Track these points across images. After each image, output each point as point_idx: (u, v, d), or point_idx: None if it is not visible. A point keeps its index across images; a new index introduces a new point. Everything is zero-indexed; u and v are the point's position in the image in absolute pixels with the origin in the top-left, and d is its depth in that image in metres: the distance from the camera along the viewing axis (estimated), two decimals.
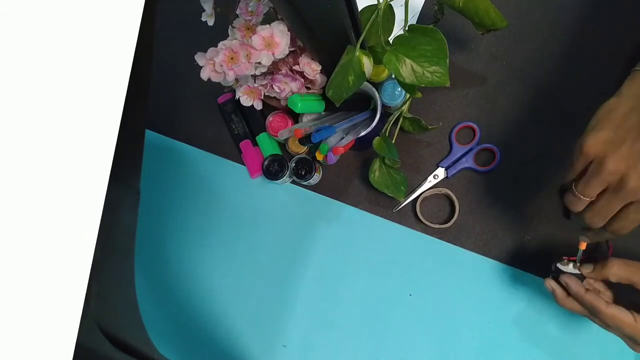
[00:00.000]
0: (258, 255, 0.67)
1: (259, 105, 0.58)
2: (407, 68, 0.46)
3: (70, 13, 0.26)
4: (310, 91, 0.59)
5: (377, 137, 0.58)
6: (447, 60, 0.45)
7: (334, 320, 0.64)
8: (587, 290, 0.46)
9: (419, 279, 0.62)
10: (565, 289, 0.48)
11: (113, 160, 0.26)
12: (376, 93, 0.57)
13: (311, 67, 0.54)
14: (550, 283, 0.49)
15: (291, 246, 0.66)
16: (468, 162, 0.61)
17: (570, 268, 0.48)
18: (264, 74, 0.56)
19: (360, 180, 0.65)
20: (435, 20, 0.58)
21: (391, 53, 0.46)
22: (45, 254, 0.25)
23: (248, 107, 0.57)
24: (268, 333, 0.65)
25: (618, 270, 0.45)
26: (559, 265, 0.49)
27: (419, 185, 0.63)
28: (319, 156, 0.56)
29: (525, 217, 0.59)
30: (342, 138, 0.57)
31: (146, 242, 0.71)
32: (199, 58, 0.52)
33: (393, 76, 0.57)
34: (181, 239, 0.70)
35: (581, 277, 0.48)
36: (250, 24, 0.51)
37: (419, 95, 0.58)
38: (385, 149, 0.56)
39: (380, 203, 0.64)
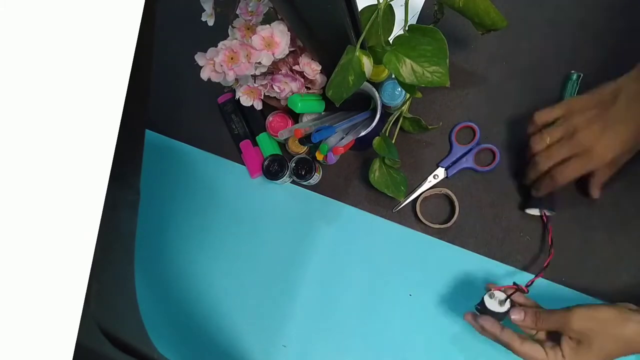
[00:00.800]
0: (258, 255, 0.67)
1: (259, 105, 0.58)
2: (407, 68, 0.46)
3: (70, 13, 0.26)
4: (310, 91, 0.59)
5: (377, 137, 0.58)
6: (447, 60, 0.45)
7: (334, 320, 0.64)
8: (502, 329, 0.49)
9: (419, 279, 0.62)
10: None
11: (113, 160, 0.26)
12: (376, 93, 0.57)
13: (311, 67, 0.54)
14: (467, 317, 0.53)
15: (291, 246, 0.66)
16: (468, 162, 0.61)
17: (495, 304, 0.50)
18: (264, 74, 0.56)
19: (360, 180, 0.65)
20: (435, 20, 0.58)
21: (391, 53, 0.46)
22: (45, 254, 0.25)
23: (248, 107, 0.57)
24: (268, 333, 0.65)
25: (546, 325, 0.48)
26: (485, 298, 0.51)
27: (419, 185, 0.63)
28: (319, 156, 0.56)
29: (525, 217, 0.59)
30: (342, 138, 0.57)
31: (146, 242, 0.71)
32: (199, 58, 0.52)
33: (393, 76, 0.57)
34: (181, 238, 0.70)
35: (496, 317, 0.50)
36: (250, 24, 0.51)
37: (419, 95, 0.58)
38: (385, 149, 0.56)
39: (380, 203, 0.64)
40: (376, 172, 0.59)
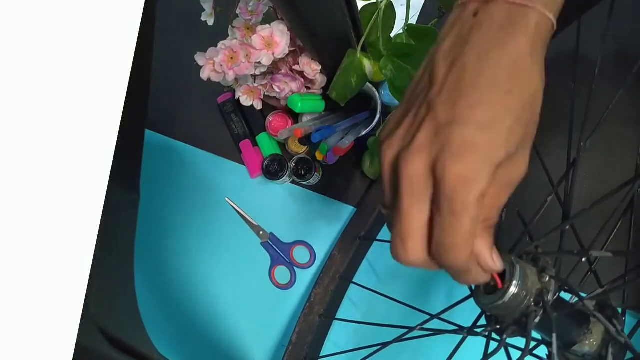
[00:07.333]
0: (258, 255, 0.67)
1: (259, 105, 0.58)
2: (404, 73, 0.46)
3: (70, 13, 0.26)
4: (310, 91, 0.59)
5: (372, 137, 0.58)
6: None
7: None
8: None
9: (420, 279, 0.62)
10: None
11: (113, 160, 0.26)
12: (376, 93, 0.57)
13: (311, 67, 0.54)
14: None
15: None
16: None
17: None
18: (264, 74, 0.55)
19: (360, 180, 0.65)
20: (440, 15, 0.58)
21: (387, 58, 0.46)
22: (45, 254, 0.25)
23: (248, 107, 0.57)
24: (268, 333, 0.65)
25: None
26: None
27: None
28: (319, 156, 0.56)
29: (524, 218, 0.59)
30: (342, 138, 0.57)
31: (146, 242, 0.71)
32: (199, 58, 0.52)
33: None
34: (181, 239, 0.70)
35: None
36: (250, 23, 0.51)
37: None
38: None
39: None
40: (367, 163, 0.60)
